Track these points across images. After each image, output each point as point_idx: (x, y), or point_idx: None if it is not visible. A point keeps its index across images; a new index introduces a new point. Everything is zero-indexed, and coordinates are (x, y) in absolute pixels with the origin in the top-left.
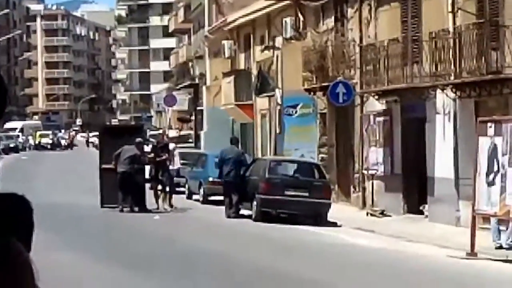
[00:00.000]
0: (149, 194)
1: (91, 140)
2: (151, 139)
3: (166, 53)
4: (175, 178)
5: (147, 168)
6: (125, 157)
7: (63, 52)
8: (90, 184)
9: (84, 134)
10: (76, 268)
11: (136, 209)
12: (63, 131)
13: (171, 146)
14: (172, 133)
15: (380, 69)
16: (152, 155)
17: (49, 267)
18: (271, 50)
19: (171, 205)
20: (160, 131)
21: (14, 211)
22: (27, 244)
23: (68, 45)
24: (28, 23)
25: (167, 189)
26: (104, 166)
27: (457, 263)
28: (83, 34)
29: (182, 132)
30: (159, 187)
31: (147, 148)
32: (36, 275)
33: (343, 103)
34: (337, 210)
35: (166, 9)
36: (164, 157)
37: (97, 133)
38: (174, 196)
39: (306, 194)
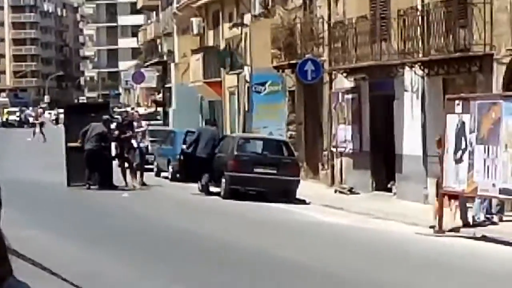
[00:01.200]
0: (116, 172)
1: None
2: (116, 116)
3: (134, 30)
4: None
5: (113, 145)
6: (93, 134)
7: (30, 29)
8: (57, 161)
9: (51, 112)
10: (45, 245)
11: (103, 186)
12: (30, 108)
13: (144, 123)
14: (141, 111)
15: (348, 47)
16: (116, 132)
17: (18, 243)
18: (240, 28)
19: (142, 183)
20: (127, 109)
21: None
22: None
23: (35, 21)
24: None
25: (134, 166)
26: (70, 144)
27: (425, 240)
28: (50, 10)
29: (151, 110)
30: (126, 164)
31: (112, 126)
32: (9, 250)
33: (312, 81)
34: (305, 187)
35: None
36: (128, 135)
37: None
38: (144, 173)
39: (275, 171)
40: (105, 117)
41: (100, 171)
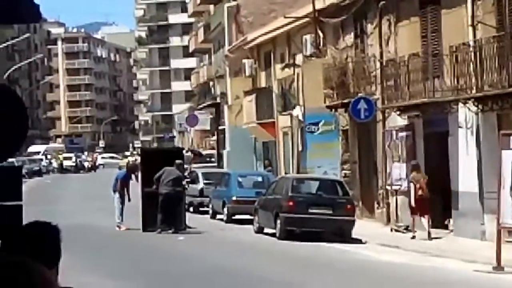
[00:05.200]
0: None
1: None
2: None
3: (187, 73)
4: (199, 198)
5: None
6: (168, 179)
7: (84, 75)
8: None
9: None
10: None
11: (177, 231)
12: (86, 153)
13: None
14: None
15: (401, 84)
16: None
17: None
18: (292, 68)
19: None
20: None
21: (43, 239)
22: (55, 269)
23: (89, 67)
24: (49, 47)
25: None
26: (146, 190)
27: (484, 277)
28: (104, 56)
29: (205, 152)
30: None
31: None
32: None
33: (365, 119)
34: (361, 226)
35: (186, 29)
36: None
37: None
38: (199, 216)
39: (330, 211)
40: (178, 161)
41: (176, 216)
